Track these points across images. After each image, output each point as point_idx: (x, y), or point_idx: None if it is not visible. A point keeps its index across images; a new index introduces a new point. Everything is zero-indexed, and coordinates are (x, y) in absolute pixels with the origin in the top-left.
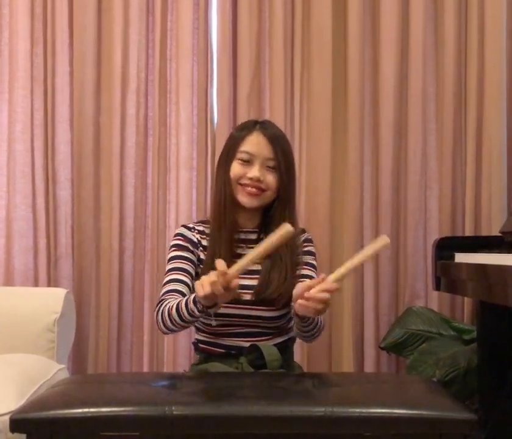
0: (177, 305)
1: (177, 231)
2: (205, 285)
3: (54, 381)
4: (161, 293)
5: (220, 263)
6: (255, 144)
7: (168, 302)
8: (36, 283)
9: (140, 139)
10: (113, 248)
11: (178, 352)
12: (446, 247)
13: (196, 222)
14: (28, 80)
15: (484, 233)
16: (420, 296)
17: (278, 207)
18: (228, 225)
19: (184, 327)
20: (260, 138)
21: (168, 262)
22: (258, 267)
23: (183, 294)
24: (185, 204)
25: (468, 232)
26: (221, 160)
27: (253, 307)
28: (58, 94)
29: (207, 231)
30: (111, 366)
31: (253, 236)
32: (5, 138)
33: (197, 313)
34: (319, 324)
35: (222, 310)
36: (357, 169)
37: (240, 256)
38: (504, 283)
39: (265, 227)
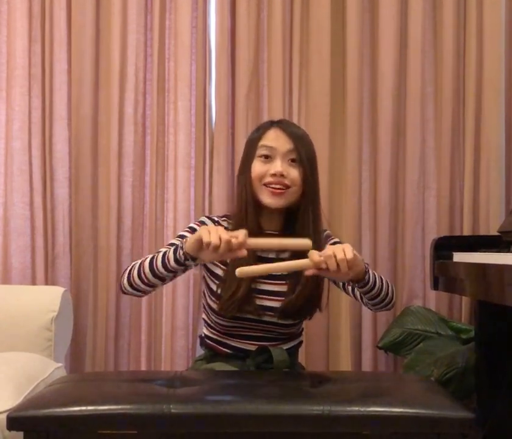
0: (152, 257)
1: (200, 218)
2: (213, 234)
3: (51, 379)
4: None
5: (242, 233)
6: (274, 138)
7: (144, 258)
8: (33, 282)
9: (138, 138)
10: (110, 247)
11: (176, 352)
12: (444, 246)
13: (221, 217)
14: (26, 79)
15: (482, 232)
16: (418, 296)
17: (302, 205)
18: (249, 228)
19: (150, 285)
20: (278, 132)
21: (175, 237)
22: (280, 288)
23: None
24: (183, 203)
25: (466, 232)
26: (241, 165)
27: (268, 313)
28: (56, 92)
29: (230, 228)
30: (108, 365)
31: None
32: (2, 136)
33: (172, 262)
34: (383, 287)
35: (239, 314)
36: (355, 168)
37: (262, 259)
38: (503, 283)
39: (289, 229)
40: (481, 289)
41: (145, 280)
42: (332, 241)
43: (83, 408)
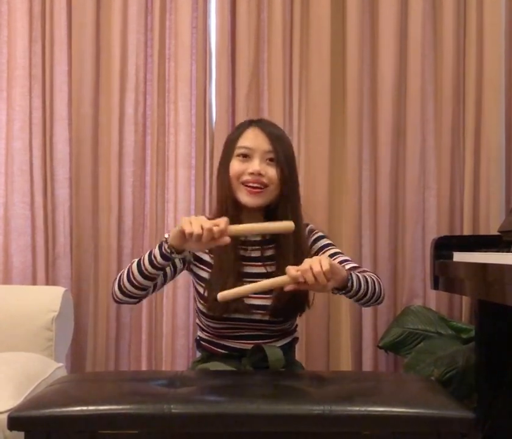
0: (139, 259)
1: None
2: (195, 224)
3: (52, 379)
4: None
5: (223, 221)
6: (252, 138)
7: (131, 263)
8: (34, 282)
9: (138, 138)
10: (111, 247)
11: (177, 352)
12: (444, 246)
13: None
14: (27, 79)
15: (482, 232)
16: (419, 295)
17: (280, 202)
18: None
19: (141, 288)
20: (257, 131)
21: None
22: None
23: None
24: (184, 203)
25: (466, 231)
26: (220, 162)
27: (259, 312)
28: (57, 92)
29: None
30: (109, 365)
31: (257, 237)
32: (3, 136)
33: (159, 258)
34: (368, 289)
35: (227, 314)
36: (355, 169)
37: (244, 258)
38: (503, 282)
39: None
40: (481, 288)
41: (134, 282)
42: (316, 235)
43: (84, 408)
